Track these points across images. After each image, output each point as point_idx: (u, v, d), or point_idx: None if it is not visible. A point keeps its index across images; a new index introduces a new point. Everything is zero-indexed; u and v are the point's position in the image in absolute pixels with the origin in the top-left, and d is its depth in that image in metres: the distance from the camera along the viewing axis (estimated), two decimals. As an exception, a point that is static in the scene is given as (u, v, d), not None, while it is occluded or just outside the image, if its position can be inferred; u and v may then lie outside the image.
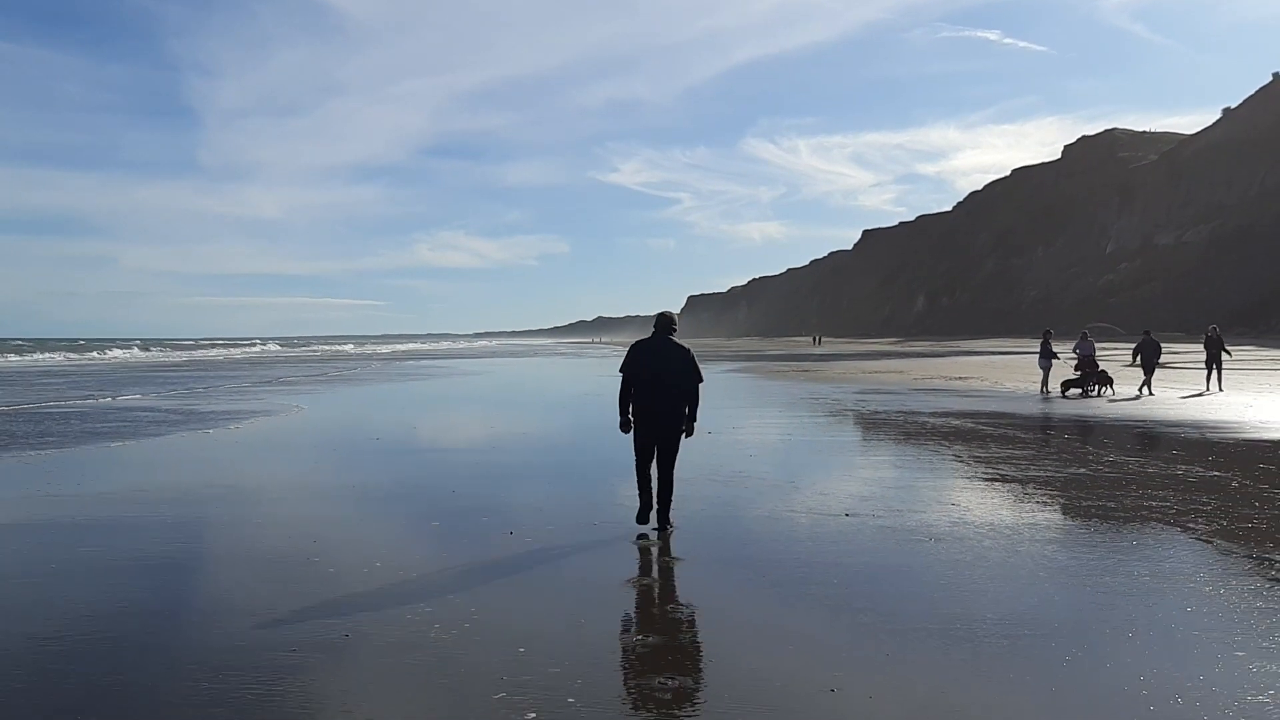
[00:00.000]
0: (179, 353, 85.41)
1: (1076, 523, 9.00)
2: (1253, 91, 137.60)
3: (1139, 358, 26.29)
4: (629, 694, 4.85)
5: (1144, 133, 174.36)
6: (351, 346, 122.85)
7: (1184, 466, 12.38)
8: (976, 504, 9.95)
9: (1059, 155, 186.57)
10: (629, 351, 9.02)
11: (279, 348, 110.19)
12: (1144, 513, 9.37)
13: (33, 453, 14.73)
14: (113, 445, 15.80)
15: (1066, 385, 25.83)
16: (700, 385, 8.88)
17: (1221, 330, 27.36)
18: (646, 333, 9.35)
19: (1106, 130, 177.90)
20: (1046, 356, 26.65)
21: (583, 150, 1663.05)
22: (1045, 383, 26.52)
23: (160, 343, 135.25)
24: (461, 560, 7.79)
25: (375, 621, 6.07)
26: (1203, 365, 27.29)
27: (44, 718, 4.64)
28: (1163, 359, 28.05)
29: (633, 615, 6.36)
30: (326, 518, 9.68)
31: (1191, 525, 8.72)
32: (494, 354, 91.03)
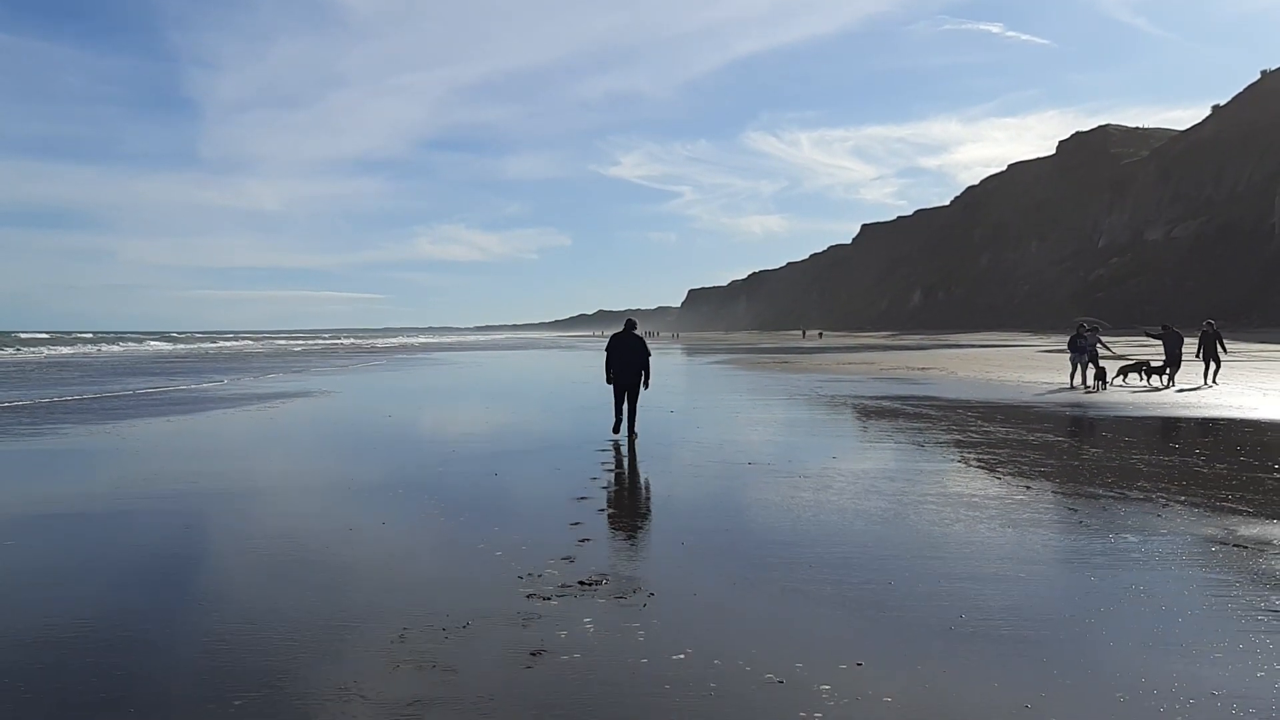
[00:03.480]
0: (254, 343, 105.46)
1: (915, 468, 12.09)
2: (1242, 89, 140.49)
3: (1164, 349, 27.03)
4: (562, 546, 7.95)
5: (1136, 129, 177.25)
6: (379, 341, 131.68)
7: (1038, 434, 15.47)
8: (853, 457, 13.07)
9: (1054, 150, 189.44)
10: (609, 341, 15.69)
11: (352, 341, 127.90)
12: (974, 463, 12.48)
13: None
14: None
15: (1123, 371, 27.10)
16: (650, 358, 15.35)
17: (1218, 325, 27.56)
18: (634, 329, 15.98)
19: (1099, 126, 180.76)
20: (1079, 351, 26.52)
21: (583, 143, 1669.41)
22: (1081, 376, 26.60)
23: (235, 335, 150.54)
24: (460, 489, 10.94)
25: (400, 518, 9.25)
26: (1199, 359, 27.24)
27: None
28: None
29: (568, 517, 9.44)
30: (360, 464, 12.85)
31: (999, 469, 11.83)
32: (504, 346, 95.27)
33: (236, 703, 4.68)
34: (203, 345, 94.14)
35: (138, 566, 7.60)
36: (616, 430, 15.26)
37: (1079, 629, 5.70)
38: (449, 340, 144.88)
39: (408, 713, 4.54)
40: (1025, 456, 12.87)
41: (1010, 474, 11.44)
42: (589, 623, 5.85)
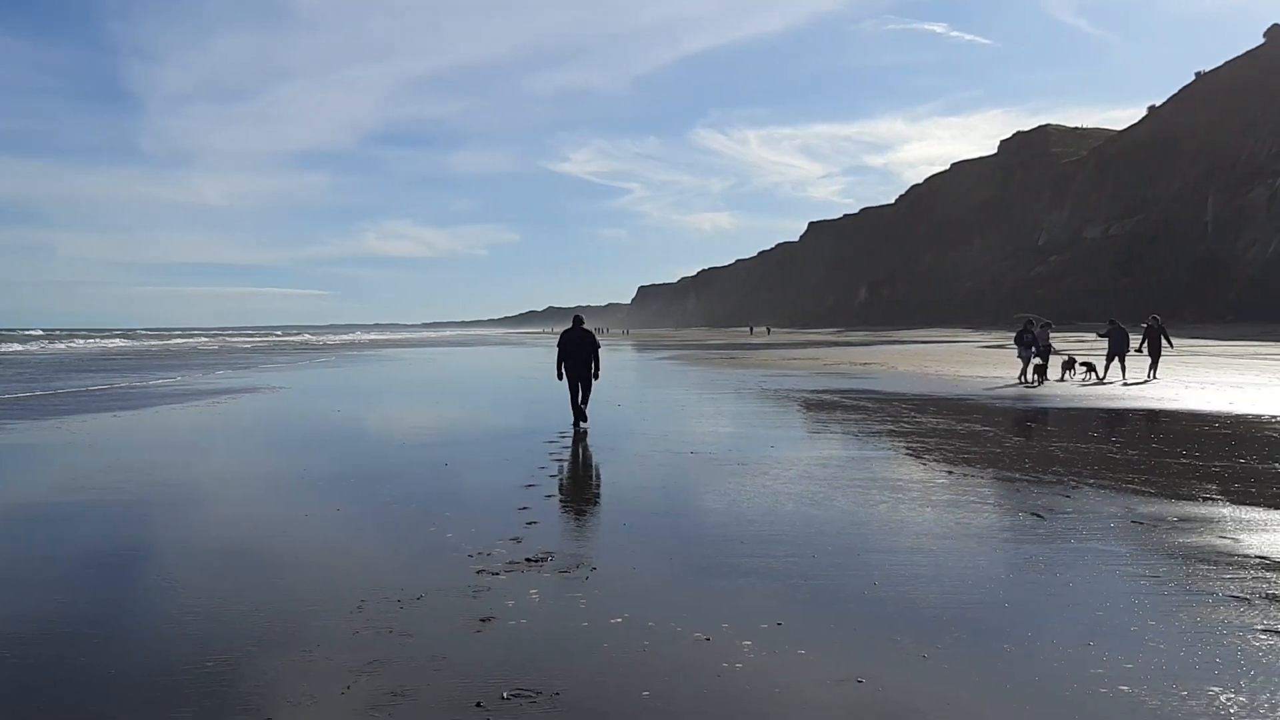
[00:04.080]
0: (207, 340, 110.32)
1: (848, 455, 12.73)
2: (1176, 90, 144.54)
3: (1108, 344, 27.51)
4: (510, 528, 8.42)
5: (1076, 128, 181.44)
6: (328, 337, 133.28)
7: (967, 425, 16.22)
8: (791, 446, 13.68)
9: (996, 150, 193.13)
10: (560, 337, 16.16)
11: (304, 337, 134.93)
12: (903, 449, 13.16)
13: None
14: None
15: (1064, 368, 27.77)
16: (599, 351, 15.95)
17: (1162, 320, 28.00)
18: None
19: (1040, 126, 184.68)
20: (1025, 346, 26.98)
21: (533, 139, 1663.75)
22: (1025, 371, 26.98)
23: (185, 331, 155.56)
24: (411, 478, 11.36)
25: (353, 505, 9.65)
26: (1144, 353, 27.57)
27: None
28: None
29: (516, 502, 9.89)
30: (312, 456, 13.19)
31: (926, 456, 12.49)
32: (453, 343, 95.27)
33: (209, 664, 5.08)
34: (150, 343, 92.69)
35: (101, 553, 7.90)
36: (576, 422, 15.61)
37: (979, 593, 6.31)
38: (397, 337, 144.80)
39: (368, 670, 4.98)
40: (951, 445, 13.57)
41: (935, 460, 12.11)
42: (535, 593, 6.33)
